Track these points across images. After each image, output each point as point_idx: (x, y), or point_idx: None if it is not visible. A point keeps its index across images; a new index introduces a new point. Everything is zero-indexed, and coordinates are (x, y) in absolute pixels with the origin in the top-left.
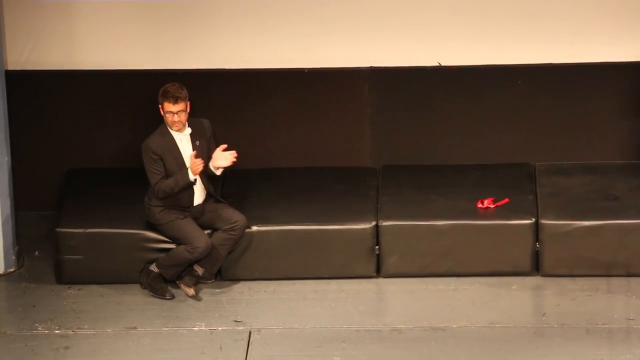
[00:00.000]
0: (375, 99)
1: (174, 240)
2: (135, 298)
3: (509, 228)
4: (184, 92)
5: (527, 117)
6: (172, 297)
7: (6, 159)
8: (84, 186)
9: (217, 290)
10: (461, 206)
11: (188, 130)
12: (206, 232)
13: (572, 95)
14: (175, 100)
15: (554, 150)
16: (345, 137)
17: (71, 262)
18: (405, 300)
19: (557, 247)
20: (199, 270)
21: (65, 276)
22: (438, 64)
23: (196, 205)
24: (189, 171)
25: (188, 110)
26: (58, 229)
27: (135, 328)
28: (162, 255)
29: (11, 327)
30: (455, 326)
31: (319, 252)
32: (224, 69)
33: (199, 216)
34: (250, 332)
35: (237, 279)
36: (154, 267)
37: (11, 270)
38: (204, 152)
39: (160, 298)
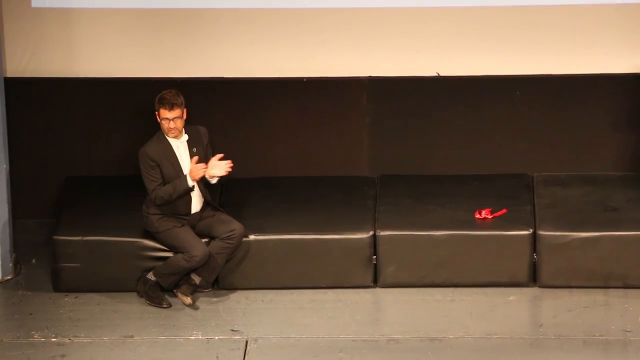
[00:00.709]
0: (373, 108)
1: (171, 248)
2: (132, 306)
3: (506, 239)
4: (180, 99)
5: (526, 127)
6: (169, 305)
7: (4, 166)
8: (82, 194)
9: (214, 299)
10: (459, 216)
11: (185, 137)
12: (203, 240)
13: (570, 106)
14: (171, 107)
15: (552, 161)
16: (343, 147)
17: (68, 270)
18: (402, 311)
19: (554, 258)
20: (196, 279)
21: (62, 284)
22: (437, 74)
23: (194, 213)
24: (188, 177)
25: (184, 117)
26: (55, 237)
27: (132, 337)
28: (160, 263)
29: (7, 334)
30: (452, 337)
31: (316, 261)
32: (223, 78)
33: (197, 224)
34: (247, 342)
35: (234, 288)
36: (151, 276)
37: (8, 277)
38: (201, 160)
39: (157, 307)
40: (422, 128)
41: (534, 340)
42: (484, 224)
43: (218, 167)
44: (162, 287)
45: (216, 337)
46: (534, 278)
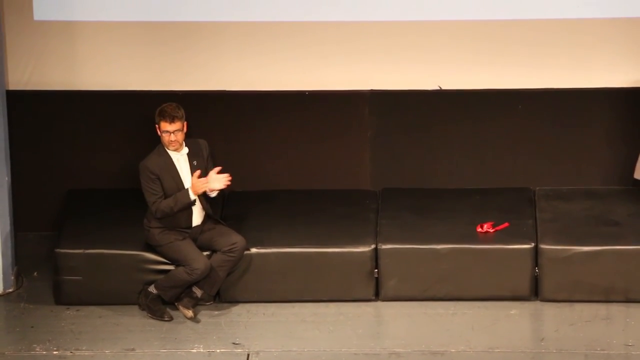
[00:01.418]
0: (375, 122)
1: (173, 261)
2: (133, 319)
3: (508, 253)
4: (181, 112)
5: (527, 141)
6: (171, 318)
7: (6, 179)
8: (83, 207)
9: (216, 312)
10: (461, 230)
11: (185, 150)
12: (205, 253)
13: (572, 120)
14: (172, 120)
15: (554, 175)
16: (345, 160)
17: (70, 283)
18: (404, 324)
19: (556, 272)
20: (198, 292)
21: (64, 297)
22: (439, 88)
23: (195, 227)
24: (190, 191)
25: (185, 130)
26: (57, 250)
27: (133, 350)
28: (161, 276)
29: (9, 347)
30: (454, 350)
31: (318, 274)
32: (224, 91)
33: (198, 237)
34: (248, 355)
35: (235, 301)
36: (152, 289)
37: (10, 290)
38: (202, 173)
39: (158, 320)
40: (424, 141)
41: (535, 354)
42: (485, 238)
43: (217, 181)
44: (164, 300)
45: (218, 350)
46: (535, 292)
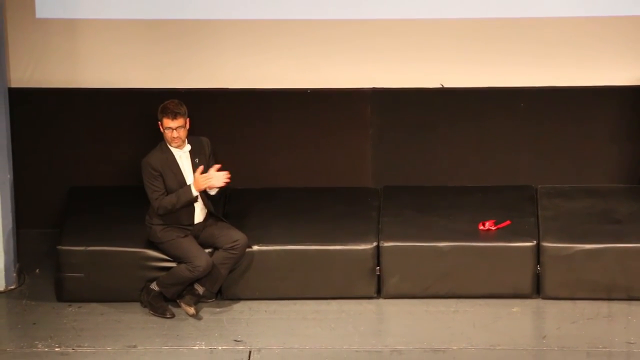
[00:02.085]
0: (377, 120)
1: (174, 258)
2: (135, 316)
3: (510, 250)
4: (183, 109)
5: (529, 139)
6: (173, 315)
7: (8, 176)
8: (85, 204)
9: (218, 310)
10: (462, 228)
11: (187, 147)
12: (207, 251)
13: (574, 118)
14: (174, 116)
15: (556, 173)
16: (347, 158)
17: (72, 280)
18: (405, 322)
19: (558, 270)
20: (200, 289)
21: (65, 294)
22: (440, 86)
23: (197, 224)
24: (192, 187)
25: (187, 126)
26: (59, 247)
27: (135, 347)
28: (163, 273)
29: (11, 344)
30: (455, 348)
31: (319, 272)
32: (226, 89)
33: (200, 235)
34: (250, 352)
35: (237, 299)
36: (154, 286)
37: (12, 287)
38: (204, 171)
39: (160, 317)
40: (425, 139)
41: (537, 351)
42: (487, 236)
43: (216, 178)
44: (166, 297)
45: (219, 348)
46: (537, 289)
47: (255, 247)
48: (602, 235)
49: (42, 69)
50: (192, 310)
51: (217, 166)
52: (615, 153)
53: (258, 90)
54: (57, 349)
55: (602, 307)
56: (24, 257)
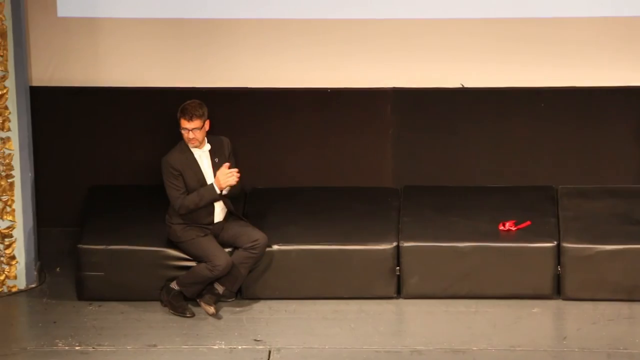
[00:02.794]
0: (397, 119)
1: (194, 258)
2: (155, 315)
3: (530, 251)
4: (202, 111)
5: (550, 139)
6: (192, 315)
7: (30, 174)
8: (106, 203)
9: (237, 309)
10: (483, 228)
11: (207, 146)
12: (227, 250)
13: (595, 119)
14: (190, 118)
15: (577, 173)
16: (367, 158)
17: (92, 279)
18: (425, 322)
19: (578, 270)
20: (220, 288)
21: (86, 292)
22: (461, 86)
23: (217, 223)
24: (214, 186)
25: (206, 128)
26: (80, 246)
27: (155, 345)
28: (183, 273)
29: (32, 343)
30: (475, 348)
31: (339, 272)
32: (247, 88)
33: (220, 234)
34: (269, 352)
35: (257, 298)
36: (174, 285)
37: (32, 286)
38: None
39: (180, 316)
40: (446, 139)
41: (557, 352)
42: (507, 236)
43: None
44: (186, 296)
45: (239, 347)
46: (557, 290)
47: (275, 247)
48: (623, 236)
49: (63, 68)
50: (212, 309)
51: (227, 165)
52: (636, 153)
53: (279, 89)
54: (77, 348)
55: (623, 308)
56: (44, 256)
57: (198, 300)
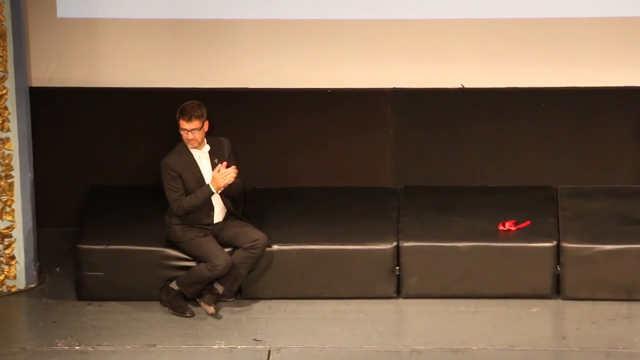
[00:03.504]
0: (397, 120)
1: (194, 258)
2: (155, 315)
3: (530, 251)
4: (200, 111)
5: (550, 139)
6: (192, 314)
7: (29, 174)
8: (105, 203)
9: (237, 309)
10: (482, 228)
11: (207, 147)
12: (226, 250)
13: (594, 119)
14: (189, 118)
15: (576, 173)
16: (367, 158)
17: (92, 279)
18: (425, 321)
19: (578, 270)
20: (219, 288)
21: (85, 292)
22: (461, 86)
23: (216, 223)
24: (210, 186)
25: (205, 129)
26: (79, 246)
27: (154, 345)
28: (183, 273)
29: (31, 342)
30: (475, 348)
31: (339, 272)
32: (246, 89)
33: (220, 234)
34: (269, 351)
35: (257, 298)
36: (174, 285)
37: (32, 286)
38: None
39: (180, 316)
40: (445, 140)
41: (557, 352)
42: (507, 236)
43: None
44: (185, 296)
45: (239, 347)
46: (557, 290)
47: (275, 247)
48: (622, 236)
49: (63, 69)
50: (211, 309)
51: (224, 164)
52: (636, 154)
53: (278, 90)
54: (77, 348)
55: (622, 307)
56: (44, 256)
57: (198, 300)
